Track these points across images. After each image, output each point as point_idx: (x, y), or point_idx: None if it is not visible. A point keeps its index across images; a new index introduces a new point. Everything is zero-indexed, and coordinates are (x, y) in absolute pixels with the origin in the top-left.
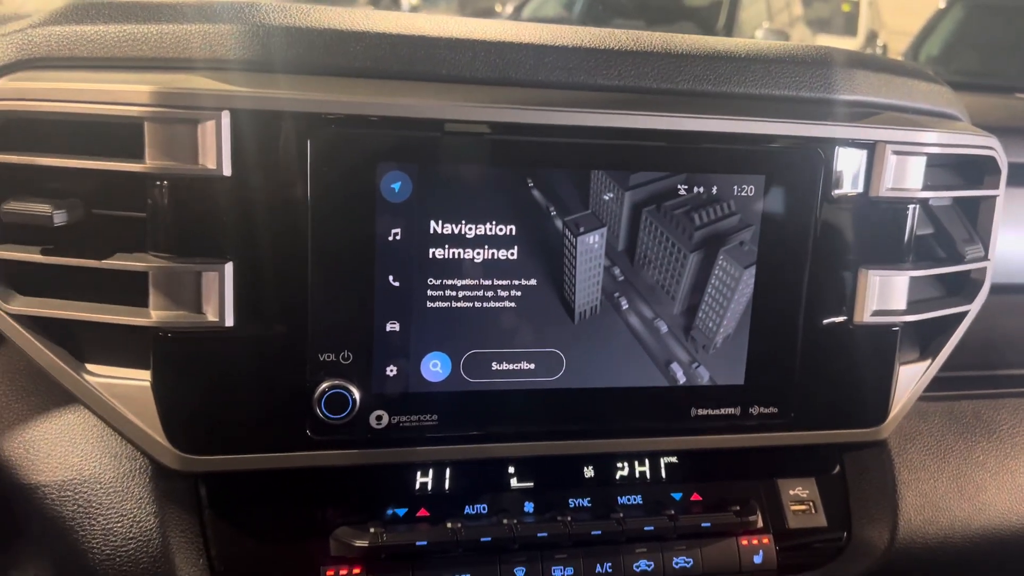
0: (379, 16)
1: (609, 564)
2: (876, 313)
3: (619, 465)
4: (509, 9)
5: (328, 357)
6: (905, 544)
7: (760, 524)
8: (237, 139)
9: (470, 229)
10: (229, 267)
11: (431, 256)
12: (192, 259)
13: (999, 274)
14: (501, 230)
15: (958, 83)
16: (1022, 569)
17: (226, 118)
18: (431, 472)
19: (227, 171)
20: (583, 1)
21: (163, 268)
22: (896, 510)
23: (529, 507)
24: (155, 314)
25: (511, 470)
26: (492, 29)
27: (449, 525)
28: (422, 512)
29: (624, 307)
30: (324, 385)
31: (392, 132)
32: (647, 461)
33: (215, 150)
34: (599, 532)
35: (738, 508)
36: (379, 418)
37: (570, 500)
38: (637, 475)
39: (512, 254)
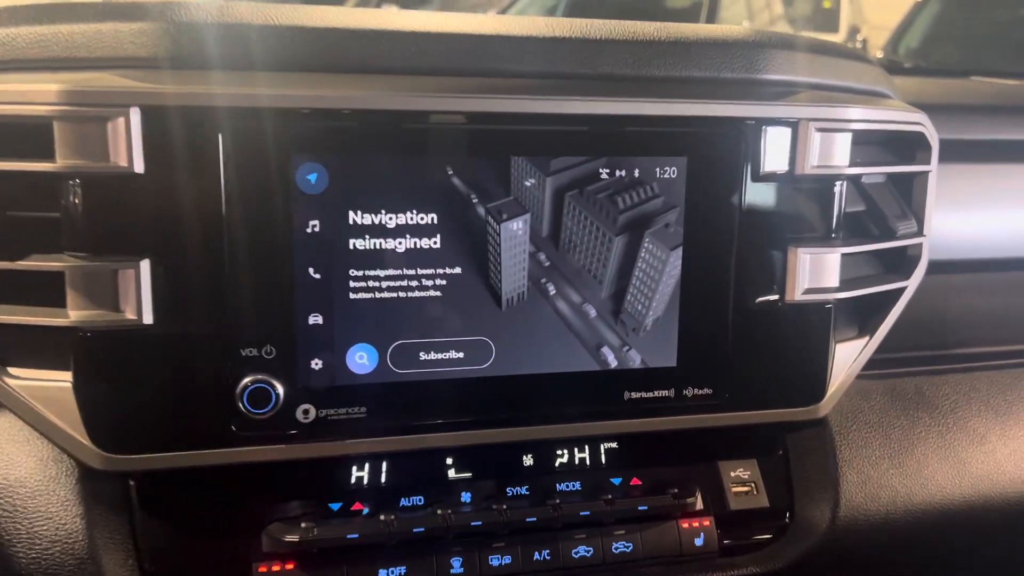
0: (289, 9)
1: (547, 551)
2: (808, 291)
3: (558, 452)
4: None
5: (250, 352)
6: (847, 522)
7: (700, 506)
8: (148, 136)
9: (390, 219)
10: (146, 264)
11: (351, 247)
12: (108, 257)
13: (941, 250)
14: (423, 219)
15: (915, 69)
16: (964, 542)
17: (136, 115)
18: (366, 465)
19: (139, 168)
20: (563, 6)
21: (79, 268)
22: (838, 488)
23: (466, 497)
24: (73, 314)
25: (449, 461)
26: (406, 20)
27: (382, 518)
28: (357, 506)
29: (551, 292)
30: (246, 380)
31: (305, 124)
32: (587, 447)
33: (125, 147)
34: (534, 519)
35: (676, 491)
36: (306, 412)
37: (508, 489)
38: (577, 461)
39: (435, 243)
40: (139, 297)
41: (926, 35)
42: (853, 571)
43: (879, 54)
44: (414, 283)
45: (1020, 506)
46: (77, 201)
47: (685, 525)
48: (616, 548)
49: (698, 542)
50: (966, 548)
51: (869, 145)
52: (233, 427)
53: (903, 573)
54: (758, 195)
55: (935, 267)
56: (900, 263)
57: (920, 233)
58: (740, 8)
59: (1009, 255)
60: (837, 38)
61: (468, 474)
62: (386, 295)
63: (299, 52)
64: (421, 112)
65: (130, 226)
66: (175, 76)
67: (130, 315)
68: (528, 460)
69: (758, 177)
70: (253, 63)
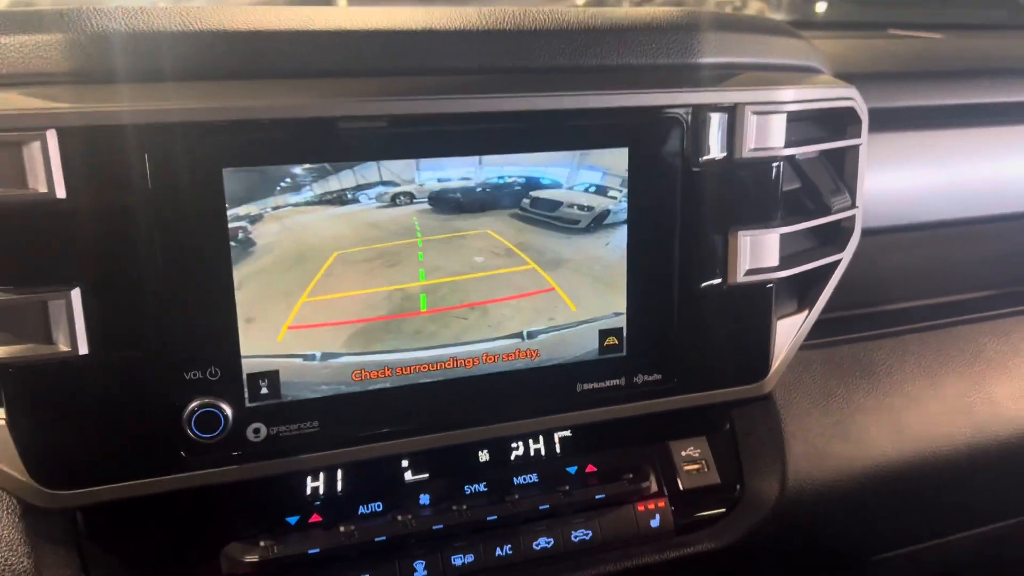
0: (211, 13)
1: (509, 546)
2: (749, 272)
3: (513, 446)
4: None
5: (194, 375)
6: (795, 492)
7: (654, 488)
8: (68, 159)
9: None
10: (76, 293)
11: None
12: (36, 288)
13: (872, 218)
14: None
15: (831, 24)
16: (904, 502)
17: (52, 138)
18: (321, 477)
19: (61, 193)
20: None
21: (5, 301)
22: (784, 460)
23: (425, 499)
24: (3, 349)
25: (404, 464)
26: (332, 18)
27: (342, 528)
28: (315, 518)
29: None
30: (192, 405)
31: (234, 135)
32: (541, 439)
33: (44, 172)
34: (495, 517)
35: (631, 476)
36: (256, 431)
37: (466, 487)
38: (532, 454)
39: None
40: (72, 328)
41: None
42: (803, 539)
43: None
44: None
45: (953, 462)
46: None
47: (641, 508)
48: (575, 536)
49: (654, 523)
50: (906, 507)
51: (801, 122)
52: (182, 452)
53: (850, 534)
54: (699, 181)
55: (866, 233)
56: (834, 236)
57: (853, 205)
58: None
59: (937, 218)
60: None
61: (425, 475)
62: None
63: (226, 59)
64: (349, 117)
65: (57, 254)
66: (91, 92)
67: (64, 347)
68: (484, 456)
69: (698, 163)
70: (172, 73)
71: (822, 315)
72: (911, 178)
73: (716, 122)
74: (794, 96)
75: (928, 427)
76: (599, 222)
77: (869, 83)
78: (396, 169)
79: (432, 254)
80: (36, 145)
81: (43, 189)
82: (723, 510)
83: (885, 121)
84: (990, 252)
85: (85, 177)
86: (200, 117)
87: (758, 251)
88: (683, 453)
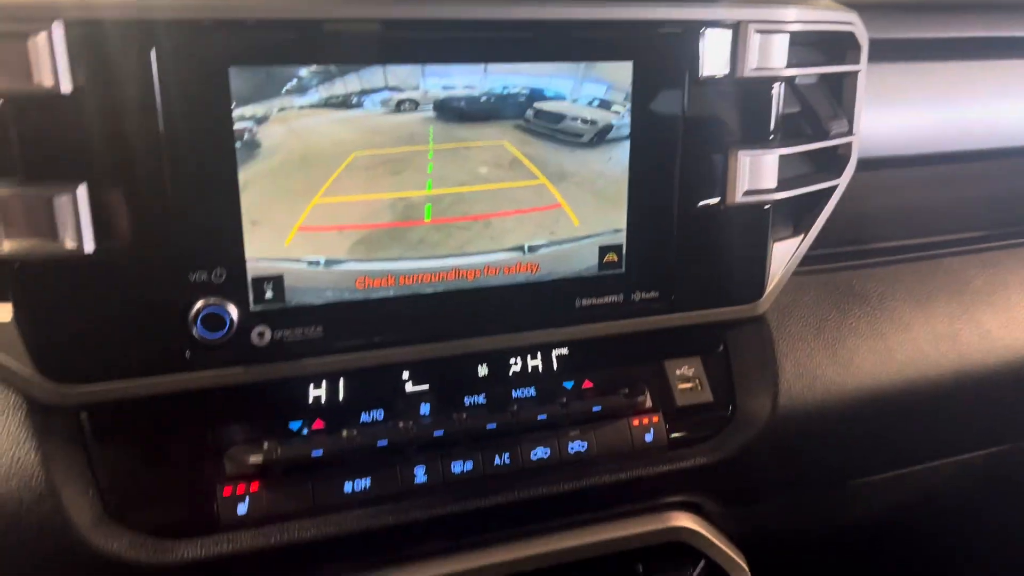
0: None
1: (508, 454)
2: (748, 193)
3: (512, 361)
4: None
5: (200, 276)
6: (786, 411)
7: (649, 404)
8: (74, 52)
9: None
10: (83, 189)
11: None
12: (41, 183)
13: (869, 148)
14: None
15: None
16: (890, 423)
17: (59, 30)
18: (324, 383)
19: (66, 88)
20: None
21: (10, 195)
22: (776, 380)
23: (425, 409)
24: (7, 244)
25: (405, 375)
26: None
27: (345, 433)
28: (318, 424)
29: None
30: (198, 305)
31: (240, 33)
32: (539, 354)
33: (50, 66)
34: (494, 426)
35: (627, 391)
36: (261, 335)
37: (466, 398)
38: (530, 368)
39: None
40: (78, 224)
41: None
42: (792, 458)
43: None
44: None
45: (940, 388)
46: (3, 125)
47: (636, 423)
48: (572, 448)
49: (648, 438)
50: (892, 431)
51: (801, 46)
52: (187, 353)
53: (837, 455)
54: (701, 98)
55: (862, 164)
56: (831, 162)
57: (850, 132)
58: None
59: (933, 151)
60: None
61: (425, 386)
62: None
63: None
64: (358, 19)
65: (63, 150)
66: None
67: (70, 244)
68: (483, 370)
69: (701, 80)
70: None
71: (817, 250)
72: (908, 110)
73: (719, 39)
74: (797, 16)
75: (916, 353)
76: (602, 137)
77: (868, 13)
78: (402, 75)
79: (441, 163)
80: (42, 37)
81: (48, 83)
82: (715, 427)
83: (883, 53)
84: (982, 192)
85: (91, 72)
86: (207, 14)
87: (757, 172)
88: (678, 372)
